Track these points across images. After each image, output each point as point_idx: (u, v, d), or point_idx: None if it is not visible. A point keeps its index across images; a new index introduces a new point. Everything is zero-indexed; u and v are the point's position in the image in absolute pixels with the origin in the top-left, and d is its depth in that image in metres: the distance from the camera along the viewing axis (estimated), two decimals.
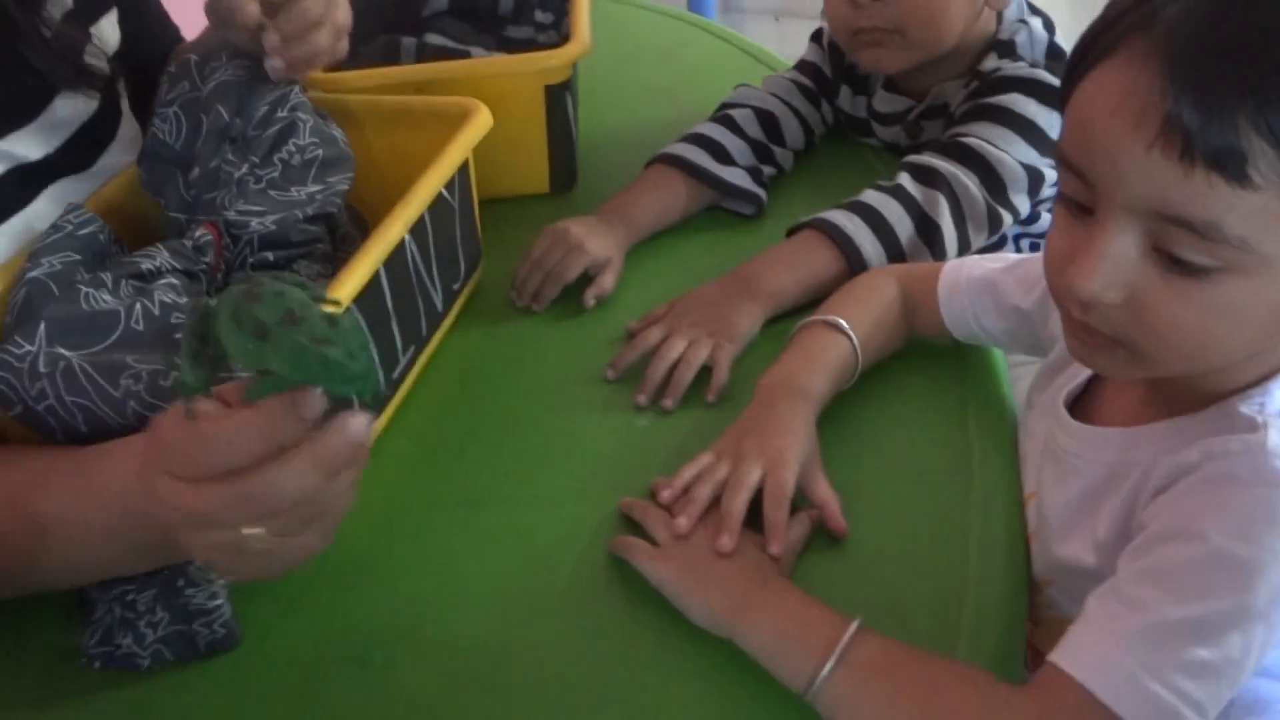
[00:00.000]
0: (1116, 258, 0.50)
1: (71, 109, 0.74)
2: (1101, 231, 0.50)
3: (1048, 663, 0.51)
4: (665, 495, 0.67)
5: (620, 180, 0.99)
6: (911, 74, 0.94)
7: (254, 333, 0.42)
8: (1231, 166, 0.45)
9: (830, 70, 1.03)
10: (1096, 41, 0.50)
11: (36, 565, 0.56)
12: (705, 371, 0.78)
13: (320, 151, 0.78)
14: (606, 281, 0.87)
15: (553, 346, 0.84)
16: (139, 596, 0.59)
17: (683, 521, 0.64)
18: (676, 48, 1.29)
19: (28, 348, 0.59)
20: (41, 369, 0.57)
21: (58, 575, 0.58)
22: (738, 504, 0.64)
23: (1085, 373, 0.64)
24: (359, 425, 0.46)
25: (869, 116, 1.02)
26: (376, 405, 0.45)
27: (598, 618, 0.62)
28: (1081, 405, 0.63)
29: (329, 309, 0.45)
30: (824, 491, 0.66)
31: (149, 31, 0.86)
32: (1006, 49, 0.91)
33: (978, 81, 0.90)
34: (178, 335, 0.62)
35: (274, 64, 0.74)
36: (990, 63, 0.90)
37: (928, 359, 0.78)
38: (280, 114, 0.76)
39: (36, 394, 0.58)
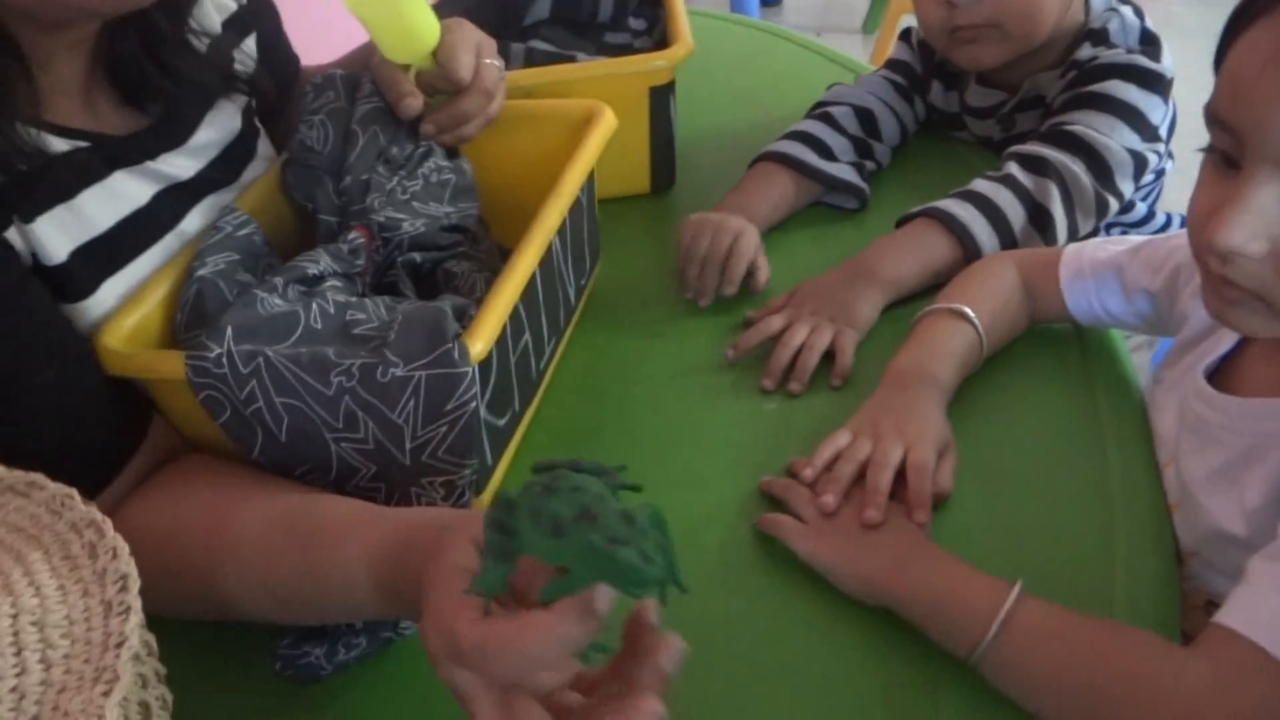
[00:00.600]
0: (1260, 209, 0.52)
1: (217, 131, 0.78)
2: (1248, 183, 0.52)
3: (1214, 624, 0.52)
4: (808, 474, 0.69)
5: (713, 179, 1.03)
6: (1004, 67, 0.97)
7: (551, 530, 0.42)
8: None
9: (921, 68, 1.06)
10: (1254, 2, 0.52)
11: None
12: (827, 356, 0.80)
13: (453, 178, 0.82)
14: (765, 271, 0.89)
15: (671, 336, 0.87)
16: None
17: (829, 499, 0.66)
18: (759, 55, 1.32)
19: (218, 350, 0.61)
20: (242, 369, 0.59)
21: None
22: (884, 479, 0.66)
23: (1222, 346, 0.66)
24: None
25: (961, 111, 1.05)
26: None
27: (749, 594, 0.65)
28: (1221, 378, 0.65)
29: (627, 507, 0.44)
30: (946, 480, 0.68)
31: (279, 57, 0.89)
32: (1100, 37, 0.93)
33: (1075, 71, 0.92)
34: (355, 332, 0.65)
35: (425, 129, 0.82)
36: (1085, 52, 0.93)
37: (1049, 341, 0.81)
38: (421, 146, 0.81)
39: (246, 397, 0.59)
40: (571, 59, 1.03)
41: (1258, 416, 0.61)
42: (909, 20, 1.14)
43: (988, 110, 1.02)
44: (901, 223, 0.89)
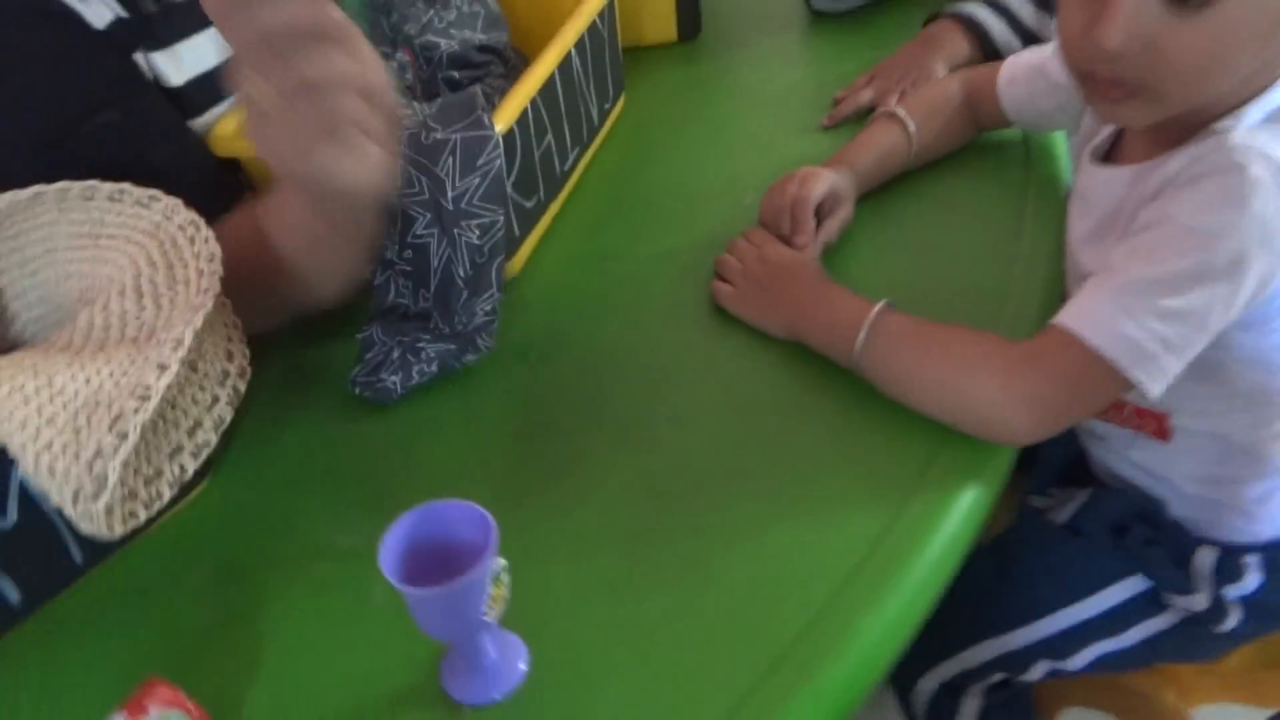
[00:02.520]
0: (1133, 10, 0.61)
1: None
2: None
3: (1047, 324, 0.66)
4: (726, 254, 0.85)
5: (738, 29, 1.16)
6: None
7: None
8: None
9: None
10: None
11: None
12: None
13: (482, 10, 0.98)
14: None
15: (690, 163, 1.01)
16: (429, 346, 0.78)
17: (731, 260, 0.83)
18: None
19: None
20: None
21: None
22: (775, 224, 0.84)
23: (1105, 132, 0.76)
24: None
25: None
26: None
27: (708, 329, 0.81)
28: (1108, 156, 0.76)
29: None
30: (829, 230, 0.83)
31: None
32: None
33: None
34: (402, 119, 0.82)
35: None
36: None
37: (998, 146, 0.92)
38: None
39: None
40: None
41: (1120, 182, 0.72)
42: None
43: None
44: (928, 21, 1.03)
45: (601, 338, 0.82)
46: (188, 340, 0.57)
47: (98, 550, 0.68)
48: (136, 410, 0.54)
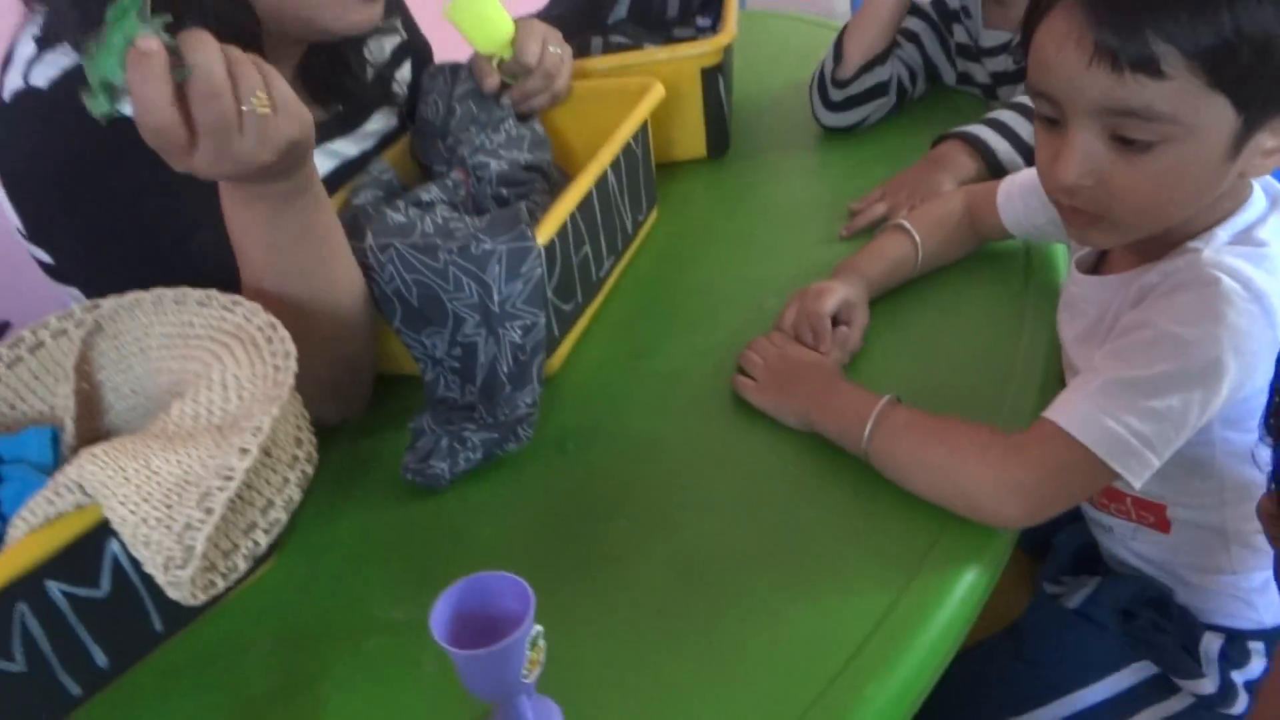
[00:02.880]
0: (1085, 151, 0.68)
1: (380, 123, 1.10)
2: (1071, 134, 0.69)
3: (1038, 418, 0.72)
4: (751, 353, 0.92)
5: (764, 147, 1.27)
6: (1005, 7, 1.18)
7: None
8: (1149, 67, 0.64)
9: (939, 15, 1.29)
10: (1038, 4, 0.70)
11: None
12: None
13: (528, 134, 1.09)
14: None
15: (716, 272, 1.09)
16: (474, 435, 0.86)
17: (754, 356, 0.90)
18: (819, 46, 1.53)
19: (364, 245, 0.88)
20: (380, 257, 0.86)
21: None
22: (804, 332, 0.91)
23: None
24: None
25: (977, 49, 1.26)
26: None
27: (732, 422, 0.87)
28: (1094, 267, 0.83)
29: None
30: (853, 338, 0.90)
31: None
32: None
33: None
34: (455, 231, 0.91)
35: (503, 101, 1.09)
36: None
37: (1000, 255, 1.00)
38: (501, 112, 1.09)
39: (387, 277, 0.87)
40: (641, 48, 1.28)
41: (1104, 290, 0.78)
42: None
43: (1000, 48, 1.22)
44: (936, 142, 1.12)
45: (632, 429, 0.89)
46: (266, 428, 0.65)
47: (176, 619, 0.75)
48: (221, 489, 0.62)
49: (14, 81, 0.88)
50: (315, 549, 0.83)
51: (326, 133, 1.01)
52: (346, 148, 1.05)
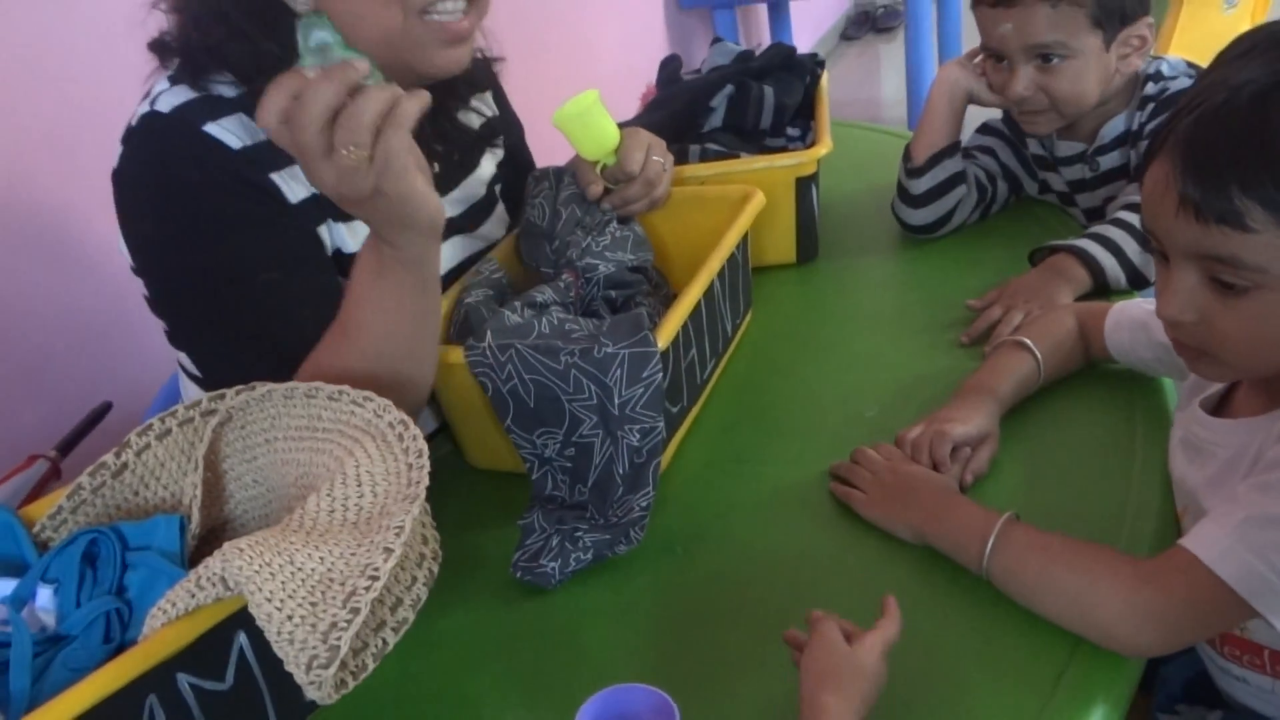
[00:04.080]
0: (1185, 289, 0.70)
1: (469, 189, 1.12)
2: (1173, 272, 0.71)
3: (1174, 545, 0.71)
4: (857, 465, 0.92)
5: (849, 254, 1.29)
6: (1074, 124, 1.22)
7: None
8: (1233, 220, 0.65)
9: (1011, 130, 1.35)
10: (1155, 140, 0.72)
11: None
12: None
13: (630, 235, 1.11)
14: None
15: (805, 373, 1.11)
16: (585, 535, 0.86)
17: (862, 469, 0.90)
18: (895, 154, 1.56)
19: (484, 345, 0.90)
20: (500, 357, 0.88)
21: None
22: (926, 452, 0.90)
23: (1215, 385, 0.83)
24: (361, 63, 0.70)
25: (1054, 159, 1.28)
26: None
27: (840, 530, 0.87)
28: (1218, 409, 0.82)
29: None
30: (980, 462, 0.89)
31: (519, 158, 1.24)
32: (1157, 76, 1.17)
33: (1153, 104, 1.16)
34: (573, 336, 0.93)
35: (603, 206, 1.12)
36: (1151, 89, 1.17)
37: (1107, 375, 0.99)
38: (606, 216, 1.12)
39: (505, 376, 0.88)
40: (736, 157, 1.31)
41: (1237, 432, 0.78)
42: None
43: (1074, 158, 1.25)
44: (1036, 253, 1.16)
45: (741, 533, 0.89)
46: (408, 528, 0.65)
47: (291, 716, 0.75)
48: (367, 589, 0.62)
49: (143, 108, 0.94)
50: (422, 648, 0.82)
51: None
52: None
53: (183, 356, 1.01)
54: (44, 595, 0.75)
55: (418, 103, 0.72)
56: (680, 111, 1.36)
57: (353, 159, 0.70)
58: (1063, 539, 0.76)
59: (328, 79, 0.69)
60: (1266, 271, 0.67)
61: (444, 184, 1.09)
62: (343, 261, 0.99)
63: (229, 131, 0.92)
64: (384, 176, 0.72)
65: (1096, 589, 0.71)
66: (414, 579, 0.72)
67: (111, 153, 0.94)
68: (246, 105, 0.93)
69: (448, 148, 1.10)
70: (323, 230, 0.98)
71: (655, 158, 1.12)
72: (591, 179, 1.11)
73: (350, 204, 0.75)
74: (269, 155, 0.93)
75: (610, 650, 0.80)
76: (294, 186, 0.95)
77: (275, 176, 0.94)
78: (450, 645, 0.83)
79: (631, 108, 1.49)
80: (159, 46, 0.97)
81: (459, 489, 1.01)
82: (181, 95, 0.93)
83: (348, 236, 0.99)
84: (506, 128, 1.23)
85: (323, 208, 0.97)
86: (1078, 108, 1.18)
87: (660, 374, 0.86)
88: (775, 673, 0.74)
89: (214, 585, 0.65)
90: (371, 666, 0.68)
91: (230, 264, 0.92)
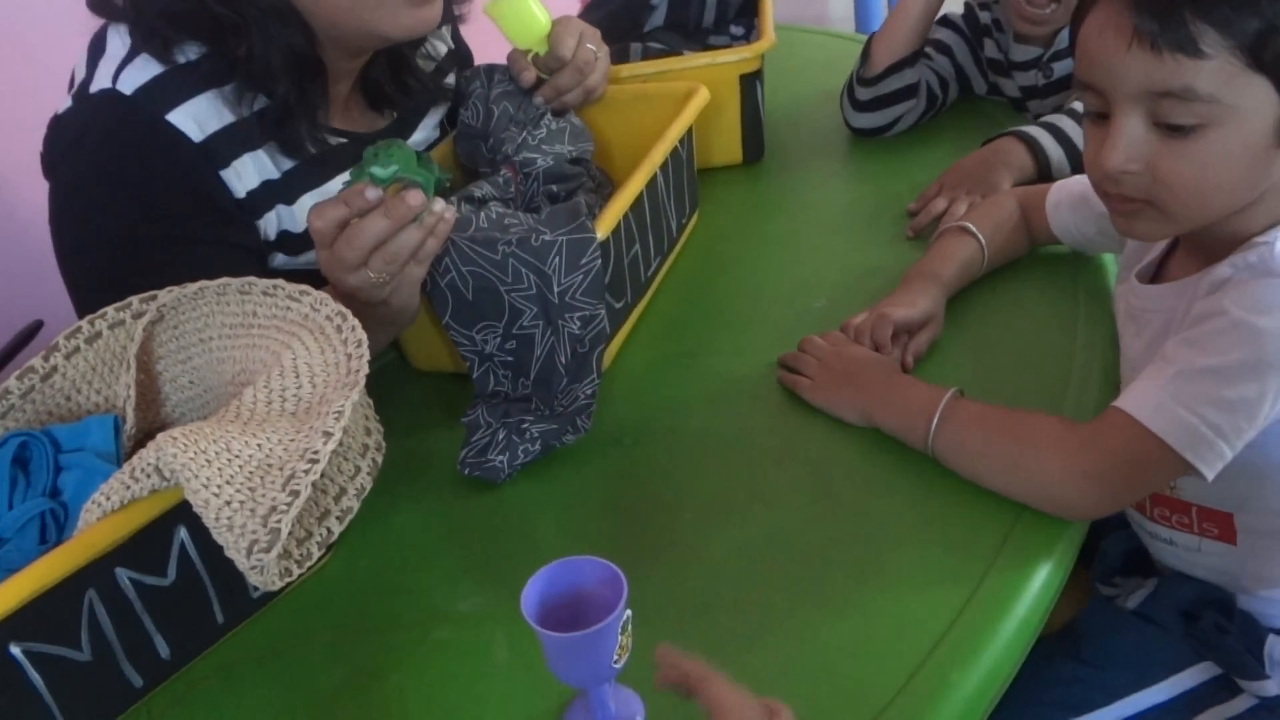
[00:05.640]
0: (1130, 136, 0.69)
1: (426, 132, 1.13)
2: (1116, 121, 0.70)
3: (1108, 407, 0.71)
4: (803, 352, 0.92)
5: (796, 155, 1.27)
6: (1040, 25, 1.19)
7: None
8: (1188, 47, 0.65)
9: (970, 30, 1.31)
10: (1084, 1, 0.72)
11: None
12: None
13: (567, 126, 1.09)
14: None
15: (750, 270, 1.10)
16: (532, 427, 0.85)
17: (807, 355, 0.90)
18: (843, 59, 1.54)
19: None
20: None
21: None
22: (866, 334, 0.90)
23: (1152, 253, 0.83)
24: (416, 197, 0.77)
25: (1007, 64, 1.27)
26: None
27: (789, 418, 0.87)
28: (1155, 278, 0.83)
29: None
30: (918, 345, 0.89)
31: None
32: None
33: None
34: (511, 225, 0.91)
35: (535, 99, 1.09)
36: None
37: (1049, 259, 1.00)
38: (539, 109, 1.09)
39: (442, 270, 0.86)
40: (679, 55, 1.28)
41: (1169, 296, 0.78)
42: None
43: (1030, 63, 1.23)
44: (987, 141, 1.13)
45: (689, 424, 0.89)
46: (347, 412, 0.64)
47: (237, 611, 0.74)
48: (306, 471, 0.61)
49: (103, 79, 0.90)
50: (373, 545, 0.82)
51: (385, 136, 1.02)
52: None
53: None
54: None
55: (441, 241, 0.82)
56: (620, 10, 1.33)
57: (377, 280, 0.79)
58: (1005, 410, 0.76)
59: (385, 216, 0.77)
60: (1216, 102, 0.66)
61: (404, 132, 1.09)
62: (287, 241, 0.99)
63: (192, 119, 0.90)
64: (396, 294, 0.82)
65: (1038, 454, 0.72)
66: (357, 469, 0.71)
67: (44, 88, 0.90)
68: (215, 76, 0.91)
69: (405, 101, 1.09)
70: (270, 216, 0.97)
71: (588, 45, 1.09)
72: (523, 66, 1.08)
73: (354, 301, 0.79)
74: (227, 147, 0.92)
75: (560, 538, 0.80)
76: (246, 177, 0.94)
77: (226, 173, 0.92)
78: (400, 541, 0.82)
79: (572, 8, 1.44)
80: (102, 6, 0.92)
81: (404, 393, 0.99)
82: (147, 70, 0.89)
83: (295, 217, 0.98)
84: (460, 58, 1.20)
85: (274, 194, 0.96)
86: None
87: (599, 260, 0.85)
88: (726, 555, 0.74)
89: (149, 476, 0.64)
90: (317, 555, 0.67)
91: (162, 246, 0.91)
